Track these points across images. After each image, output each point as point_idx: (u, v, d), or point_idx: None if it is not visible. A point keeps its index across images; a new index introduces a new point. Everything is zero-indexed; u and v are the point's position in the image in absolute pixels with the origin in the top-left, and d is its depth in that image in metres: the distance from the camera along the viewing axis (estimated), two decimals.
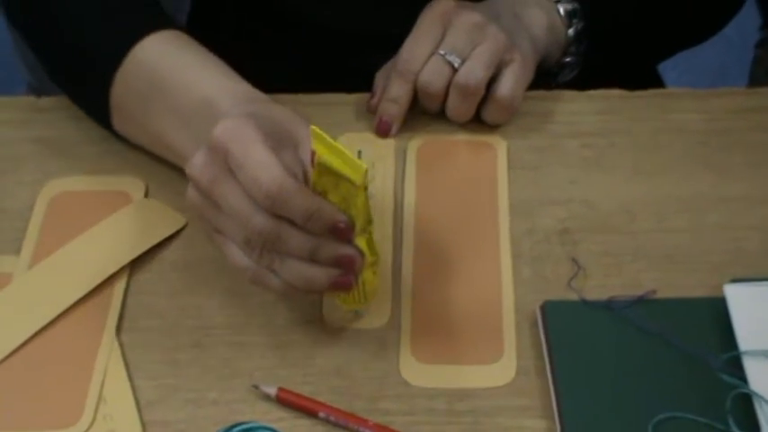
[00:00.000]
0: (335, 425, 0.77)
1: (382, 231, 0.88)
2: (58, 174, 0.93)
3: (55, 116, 0.98)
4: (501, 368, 0.80)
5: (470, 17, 0.92)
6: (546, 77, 1.01)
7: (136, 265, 0.87)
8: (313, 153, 0.73)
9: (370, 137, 0.95)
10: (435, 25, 0.92)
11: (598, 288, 0.84)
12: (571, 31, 0.99)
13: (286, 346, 0.82)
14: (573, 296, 0.83)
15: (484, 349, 0.81)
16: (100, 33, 0.91)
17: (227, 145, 0.75)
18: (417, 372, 0.80)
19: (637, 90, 0.99)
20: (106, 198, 0.91)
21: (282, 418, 0.78)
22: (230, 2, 1.12)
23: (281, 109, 0.81)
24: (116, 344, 0.82)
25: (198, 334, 0.83)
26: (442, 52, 0.92)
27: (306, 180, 0.76)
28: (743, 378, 0.76)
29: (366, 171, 0.72)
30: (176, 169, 0.89)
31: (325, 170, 0.73)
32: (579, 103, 0.98)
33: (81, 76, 0.92)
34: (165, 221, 0.89)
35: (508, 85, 0.93)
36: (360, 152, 0.93)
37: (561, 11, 0.99)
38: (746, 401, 0.75)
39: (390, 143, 0.95)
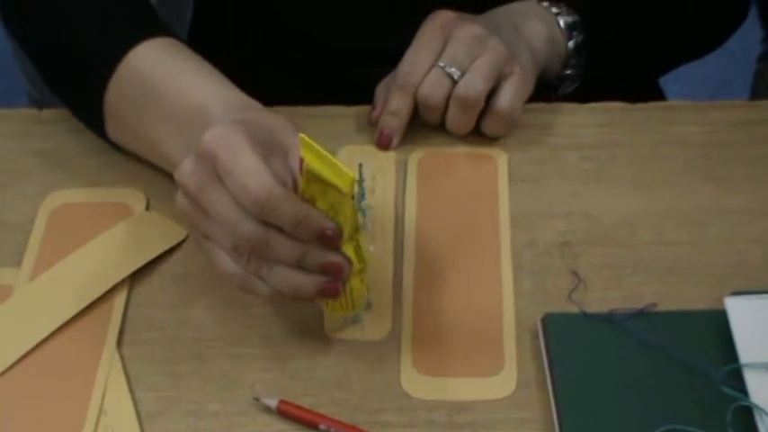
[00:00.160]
0: None
1: (383, 244, 0.88)
2: (59, 186, 0.94)
3: (56, 128, 0.98)
4: (501, 380, 0.80)
5: (470, 29, 0.92)
6: (546, 90, 1.01)
7: (136, 277, 0.87)
8: (301, 161, 0.73)
9: (370, 149, 0.96)
10: (435, 37, 0.93)
11: (599, 301, 0.84)
12: (571, 44, 0.99)
13: (287, 358, 0.82)
14: (573, 309, 0.83)
15: (484, 362, 0.81)
16: (94, 40, 0.91)
17: (216, 151, 0.75)
18: (418, 384, 0.80)
19: (638, 103, 0.99)
20: (107, 210, 0.91)
21: (283, 431, 0.78)
22: (231, 16, 1.13)
23: (272, 116, 0.82)
24: (117, 356, 0.82)
25: (198, 346, 0.83)
26: (441, 64, 0.92)
27: (295, 188, 0.76)
28: (744, 391, 0.76)
29: (354, 179, 0.73)
30: None
31: (313, 178, 0.73)
32: (580, 116, 0.98)
33: (76, 82, 0.92)
34: (165, 234, 0.89)
35: (508, 97, 0.93)
36: (360, 165, 0.93)
37: (561, 23, 0.99)
38: (747, 414, 0.75)
39: (391, 156, 0.95)
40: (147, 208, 0.92)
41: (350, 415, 0.78)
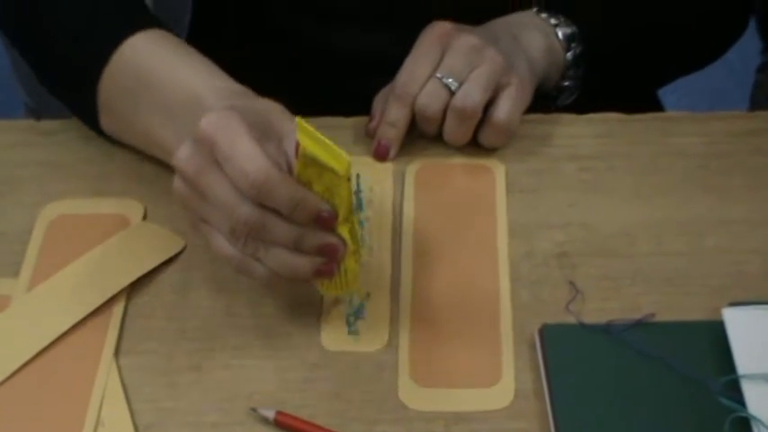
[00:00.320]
0: None
1: (381, 255, 0.88)
2: (57, 196, 0.93)
3: (54, 139, 0.98)
4: (499, 391, 0.80)
5: (468, 40, 0.92)
6: (545, 101, 1.01)
7: (134, 287, 0.87)
8: (297, 144, 0.75)
9: (368, 161, 0.96)
10: (433, 48, 0.93)
11: (597, 311, 0.84)
12: (569, 55, 0.99)
13: (284, 369, 0.82)
14: (571, 319, 0.83)
15: (482, 372, 0.81)
16: (87, 32, 0.92)
17: (214, 136, 0.76)
18: (415, 395, 0.80)
19: (636, 114, 0.99)
20: (105, 221, 0.91)
21: None
22: (230, 25, 1.13)
23: (266, 102, 0.83)
24: (114, 367, 0.82)
25: (196, 357, 0.83)
26: (439, 75, 0.92)
27: (290, 171, 0.77)
28: (741, 402, 0.76)
29: (349, 162, 0.74)
30: None
31: (310, 161, 0.74)
32: (578, 127, 0.98)
33: (69, 75, 0.93)
34: (163, 244, 0.89)
35: (505, 108, 0.93)
36: (358, 176, 0.93)
37: (560, 34, 0.99)
38: (745, 425, 0.75)
39: (389, 167, 0.95)
40: (145, 218, 0.92)
41: (347, 426, 0.78)
